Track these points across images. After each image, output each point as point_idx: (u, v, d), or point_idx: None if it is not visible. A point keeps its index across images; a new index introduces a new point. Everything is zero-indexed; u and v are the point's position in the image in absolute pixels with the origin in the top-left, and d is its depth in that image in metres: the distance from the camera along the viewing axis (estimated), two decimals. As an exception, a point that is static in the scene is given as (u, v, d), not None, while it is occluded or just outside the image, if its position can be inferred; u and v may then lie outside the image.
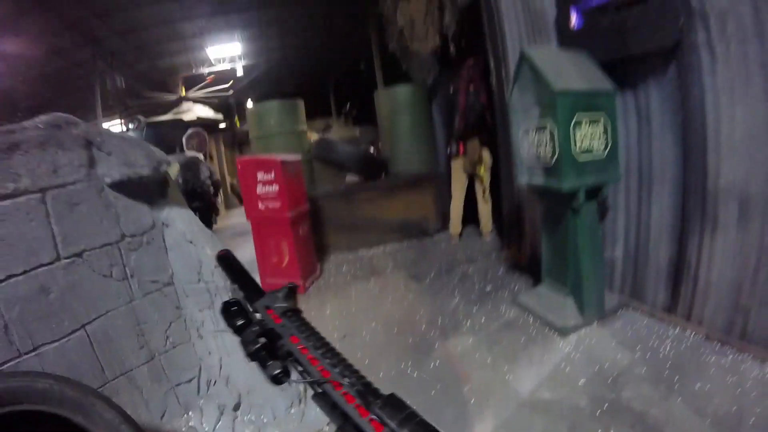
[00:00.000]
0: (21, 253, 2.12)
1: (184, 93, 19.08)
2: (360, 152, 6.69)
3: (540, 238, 3.77)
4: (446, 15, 5.63)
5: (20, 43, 14.84)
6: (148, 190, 2.72)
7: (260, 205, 4.92)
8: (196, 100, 19.74)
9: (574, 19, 3.59)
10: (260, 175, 4.85)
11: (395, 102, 6.86)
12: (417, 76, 6.82)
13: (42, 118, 2.35)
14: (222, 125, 21.86)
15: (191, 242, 2.71)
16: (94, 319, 2.37)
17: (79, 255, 2.33)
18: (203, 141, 13.46)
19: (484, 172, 5.68)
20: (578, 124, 2.98)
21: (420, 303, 4.15)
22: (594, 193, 3.20)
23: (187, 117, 18.30)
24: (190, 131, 13.31)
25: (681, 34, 2.77)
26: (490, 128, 5.51)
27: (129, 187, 2.59)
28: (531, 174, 3.38)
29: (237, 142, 18.76)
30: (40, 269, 2.18)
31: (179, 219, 2.78)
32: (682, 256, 3.08)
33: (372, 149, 13.13)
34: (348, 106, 19.01)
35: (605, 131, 3.10)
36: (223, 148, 17.30)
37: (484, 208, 5.90)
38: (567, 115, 2.95)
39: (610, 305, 3.42)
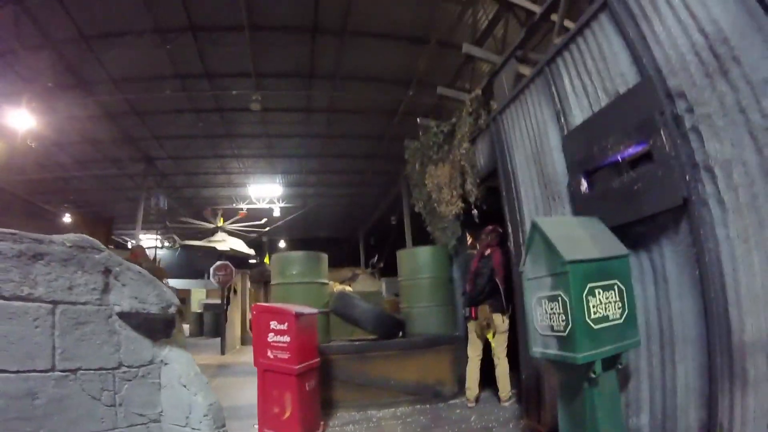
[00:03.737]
0: (18, 354, 2.27)
1: (221, 223, 19.87)
2: (377, 310, 6.61)
3: (559, 407, 3.52)
4: (467, 181, 5.91)
5: (81, 143, 16.03)
6: (154, 327, 2.81)
7: (269, 354, 4.84)
8: (231, 232, 20.49)
9: (584, 184, 3.72)
10: (273, 324, 4.85)
11: (416, 263, 6.97)
12: (441, 238, 6.99)
13: (70, 237, 2.53)
14: (252, 260, 22.40)
15: (185, 386, 2.70)
16: (74, 436, 2.38)
17: (73, 371, 2.43)
18: (230, 274, 13.76)
19: (493, 338, 5.60)
20: (591, 292, 2.94)
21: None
22: (612, 361, 3.05)
23: (221, 247, 18.88)
24: (217, 263, 13.70)
25: (689, 189, 2.80)
26: (502, 293, 5.53)
27: (136, 320, 2.71)
28: (545, 344, 3.23)
29: (264, 279, 18.99)
30: (32, 374, 2.30)
31: (177, 361, 2.80)
32: (713, 420, 2.76)
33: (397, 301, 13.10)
34: (376, 258, 19.33)
35: (621, 297, 3.05)
36: (248, 283, 17.44)
37: (500, 373, 5.68)
38: (579, 284, 2.91)
39: (637, 486, 3.03)
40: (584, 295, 2.91)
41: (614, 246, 3.20)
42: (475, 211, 5.95)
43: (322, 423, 5.17)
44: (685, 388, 2.98)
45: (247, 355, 11.20)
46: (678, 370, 3.04)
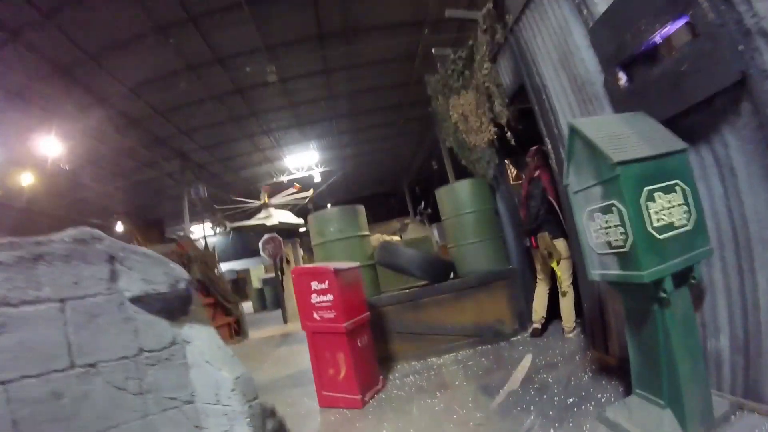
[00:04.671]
0: (37, 357, 2.23)
1: (266, 200, 20.03)
2: (422, 255, 6.31)
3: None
4: (496, 103, 5.43)
5: (114, 155, 16.43)
6: (170, 307, 2.67)
7: (315, 315, 4.66)
8: (277, 206, 20.65)
9: (622, 78, 3.25)
10: (314, 285, 4.65)
11: (457, 199, 6.54)
12: (478, 169, 6.55)
13: (69, 232, 2.44)
14: (302, 229, 22.62)
15: (208, 362, 2.55)
16: (105, 430, 2.35)
17: (93, 365, 2.38)
18: (278, 246, 13.85)
19: (557, 265, 5.26)
20: (650, 197, 2.53)
21: (489, 423, 3.55)
22: (683, 276, 2.65)
23: (269, 222, 19.08)
24: (265, 237, 13.83)
25: (745, 60, 2.34)
26: (560, 215, 5.14)
27: (149, 303, 2.58)
28: (603, 264, 2.85)
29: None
30: (53, 374, 2.26)
31: (199, 337, 2.66)
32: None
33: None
34: (422, 205, 19.04)
35: (685, 199, 2.62)
36: (300, 252, 17.58)
37: (564, 303, 5.39)
38: (634, 189, 2.51)
39: (719, 411, 2.67)
40: (642, 200, 2.51)
41: (668, 140, 2.74)
42: (509, 134, 5.48)
43: (381, 378, 5.01)
44: (768, 300, 2.56)
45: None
46: (759, 279, 2.60)
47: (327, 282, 4.57)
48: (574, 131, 2.83)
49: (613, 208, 2.60)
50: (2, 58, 9.69)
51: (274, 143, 19.94)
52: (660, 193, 2.57)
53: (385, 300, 5.95)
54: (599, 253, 2.86)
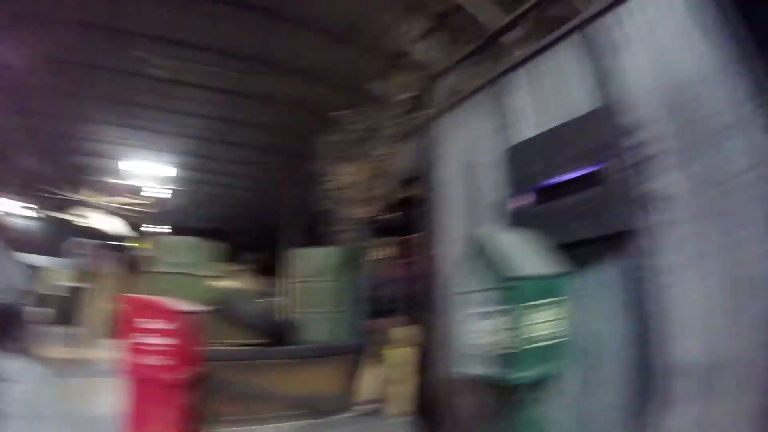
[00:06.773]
0: None
1: (95, 197, 17.90)
2: (266, 314, 5.98)
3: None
4: (388, 184, 5.54)
5: None
6: None
7: (146, 360, 3.90)
8: (107, 209, 18.55)
9: (525, 200, 3.66)
10: (153, 324, 3.94)
11: (315, 264, 6.35)
12: (345, 240, 6.48)
13: None
14: (123, 243, 20.36)
15: None
16: None
17: None
18: (94, 254, 12.26)
19: (398, 351, 5.40)
20: (534, 310, 2.87)
21: None
22: (545, 383, 3.01)
23: (85, 222, 16.93)
24: (78, 241, 12.28)
25: (636, 217, 2.85)
26: (413, 305, 5.30)
27: None
28: (471, 362, 3.08)
29: (134, 264, 17.12)
30: None
31: None
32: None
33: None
34: (254, 256, 18.47)
35: (558, 317, 3.00)
36: (117, 267, 15.59)
37: (399, 388, 5.40)
38: (524, 301, 2.83)
39: None
40: (527, 312, 2.83)
41: (556, 263, 3.16)
42: (389, 216, 5.57)
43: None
44: (606, 410, 3.01)
45: (110, 350, 9.89)
46: (601, 392, 3.05)
47: (171, 323, 3.95)
48: (477, 238, 3.16)
49: (499, 315, 2.85)
50: None
51: (124, 140, 18.08)
52: (544, 308, 2.90)
53: (215, 353, 5.33)
54: (470, 353, 3.08)
